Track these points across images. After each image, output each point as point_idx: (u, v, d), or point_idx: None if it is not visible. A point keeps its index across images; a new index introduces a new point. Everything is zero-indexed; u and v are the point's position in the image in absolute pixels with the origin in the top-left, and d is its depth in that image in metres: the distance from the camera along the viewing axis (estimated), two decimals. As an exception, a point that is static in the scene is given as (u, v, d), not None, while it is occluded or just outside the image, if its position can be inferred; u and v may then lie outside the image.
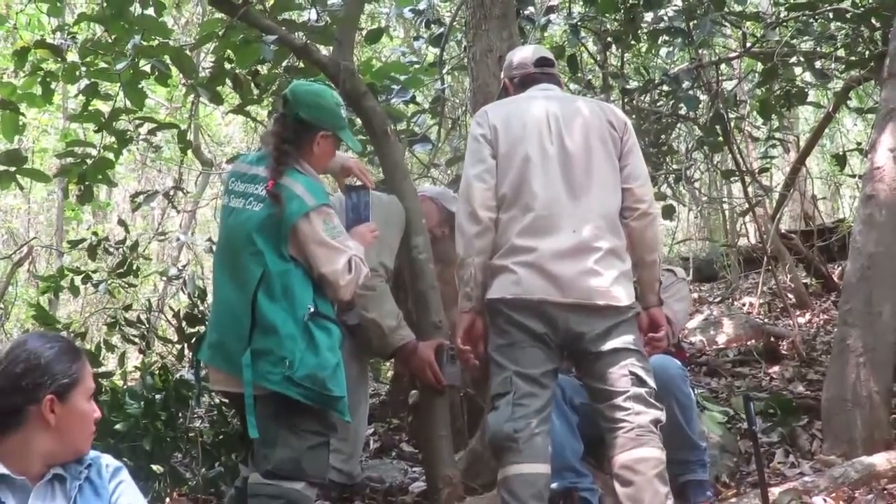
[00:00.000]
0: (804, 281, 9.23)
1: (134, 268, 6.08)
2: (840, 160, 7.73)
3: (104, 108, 5.68)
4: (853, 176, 8.78)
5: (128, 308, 6.22)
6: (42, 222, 15.47)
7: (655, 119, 7.56)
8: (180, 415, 4.80)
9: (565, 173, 3.63)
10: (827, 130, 11.28)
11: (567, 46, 7.69)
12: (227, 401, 4.48)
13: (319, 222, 3.43)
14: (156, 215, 14.08)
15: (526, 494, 3.37)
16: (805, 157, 9.80)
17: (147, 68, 5.28)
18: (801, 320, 8.21)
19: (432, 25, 7.28)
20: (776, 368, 6.68)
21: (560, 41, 8.71)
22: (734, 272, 10.52)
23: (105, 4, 5.15)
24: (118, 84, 5.29)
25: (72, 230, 13.17)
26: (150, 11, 5.24)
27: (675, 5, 7.16)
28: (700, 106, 7.49)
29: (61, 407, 2.44)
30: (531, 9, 6.93)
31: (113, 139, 5.61)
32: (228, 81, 5.50)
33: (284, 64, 5.50)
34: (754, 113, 9.05)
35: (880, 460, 4.13)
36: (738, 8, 7.25)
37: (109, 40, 5.24)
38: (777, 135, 8.08)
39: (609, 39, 7.48)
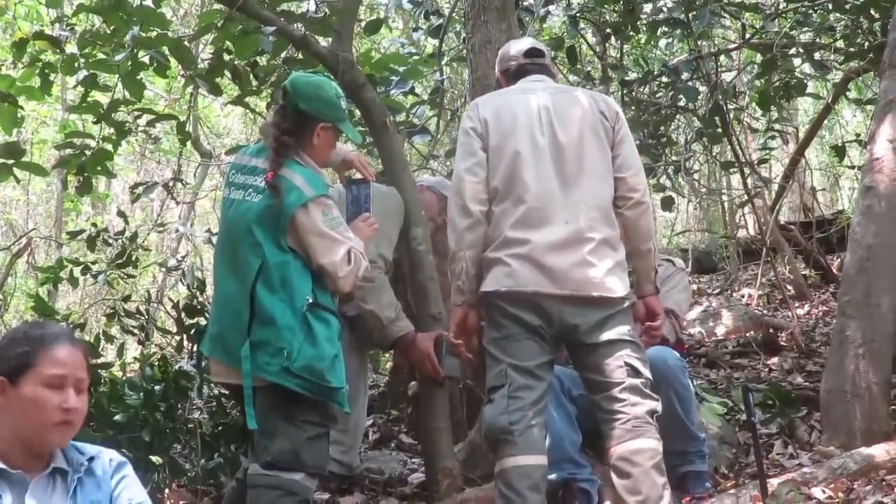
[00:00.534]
0: (803, 272, 9.23)
1: (133, 259, 6.08)
2: (839, 151, 7.72)
3: (103, 99, 5.67)
4: (852, 167, 8.79)
5: (127, 299, 6.21)
6: (41, 213, 15.46)
7: (654, 110, 7.54)
8: (179, 406, 4.80)
9: (557, 164, 3.62)
10: (826, 122, 11.26)
11: (566, 38, 7.68)
12: (227, 392, 4.49)
13: (318, 213, 3.43)
14: (155, 206, 14.05)
15: (523, 486, 3.38)
16: (804, 149, 9.79)
17: (146, 59, 5.27)
18: (800, 312, 8.21)
19: (431, 16, 7.27)
20: (775, 360, 6.68)
21: (559, 32, 8.69)
22: (733, 264, 10.52)
23: (103, -5, 5.14)
24: (117, 75, 5.28)
25: (71, 221, 13.14)
26: (149, 2, 5.22)
27: (674, -4, 7.15)
28: (699, 97, 7.48)
29: (13, 390, 2.44)
30: (530, 0, 6.91)
31: (112, 130, 5.60)
32: (227, 72, 5.48)
33: (283, 55, 5.49)
34: (753, 104, 9.05)
35: (879, 451, 4.13)
36: (737, -1, 7.24)
37: (108, 31, 5.23)
38: (776, 126, 8.07)
39: (608, 31, 7.46)
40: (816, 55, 7.22)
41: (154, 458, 4.56)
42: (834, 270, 9.00)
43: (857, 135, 8.54)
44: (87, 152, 5.55)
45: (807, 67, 7.64)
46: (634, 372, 3.50)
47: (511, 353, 3.54)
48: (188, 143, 8.11)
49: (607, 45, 7.89)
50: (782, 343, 7.09)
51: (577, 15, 7.44)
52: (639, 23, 7.32)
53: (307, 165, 3.54)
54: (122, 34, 5.11)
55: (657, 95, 7.84)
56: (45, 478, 2.48)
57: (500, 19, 5.03)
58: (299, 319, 3.35)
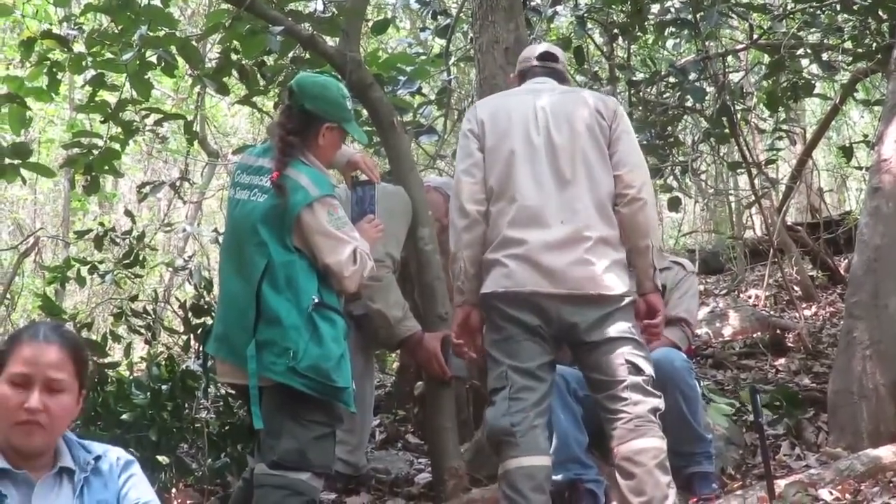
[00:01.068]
0: (810, 273, 9.22)
1: (140, 258, 6.09)
2: (847, 152, 7.72)
3: (111, 98, 5.69)
4: (860, 168, 8.77)
5: (134, 299, 6.22)
6: (48, 213, 15.50)
7: (662, 111, 7.54)
8: (186, 405, 4.80)
9: (553, 164, 3.61)
10: (833, 122, 11.24)
11: (573, 38, 7.70)
12: (233, 392, 4.49)
13: (323, 213, 3.42)
14: (162, 206, 14.07)
15: (526, 487, 3.37)
16: (811, 150, 9.77)
17: (153, 59, 5.28)
18: (808, 313, 8.21)
19: (438, 16, 7.28)
20: (782, 361, 6.67)
21: (566, 33, 8.71)
22: (740, 264, 10.51)
23: (112, -5, 5.15)
24: (125, 75, 5.29)
25: (78, 221, 13.19)
26: (157, 2, 5.24)
27: (682, -3, 7.15)
28: (706, 98, 7.47)
29: None
30: (538, 0, 6.91)
31: (119, 130, 5.62)
32: (234, 72, 5.50)
33: (291, 55, 5.49)
34: (761, 105, 9.05)
35: (886, 453, 4.13)
36: (744, -1, 7.24)
37: (116, 31, 5.24)
38: (783, 127, 8.08)
39: (616, 31, 7.46)
40: (824, 56, 7.21)
41: (161, 458, 4.57)
42: (841, 271, 8.98)
43: (865, 136, 8.55)
44: (95, 151, 5.56)
45: (814, 68, 7.62)
46: (636, 370, 3.48)
47: (511, 354, 3.54)
48: (195, 143, 8.12)
49: (615, 45, 7.88)
50: (789, 344, 7.08)
51: (585, 15, 7.44)
52: (646, 23, 7.32)
53: (313, 165, 3.54)
54: (130, 33, 5.12)
55: (664, 96, 7.84)
56: (52, 477, 2.46)
57: (507, 19, 5.03)
58: (305, 319, 3.34)
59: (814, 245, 9.19)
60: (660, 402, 3.51)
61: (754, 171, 7.98)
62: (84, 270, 6.05)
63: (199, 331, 5.13)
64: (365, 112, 5.03)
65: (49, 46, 5.47)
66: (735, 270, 10.68)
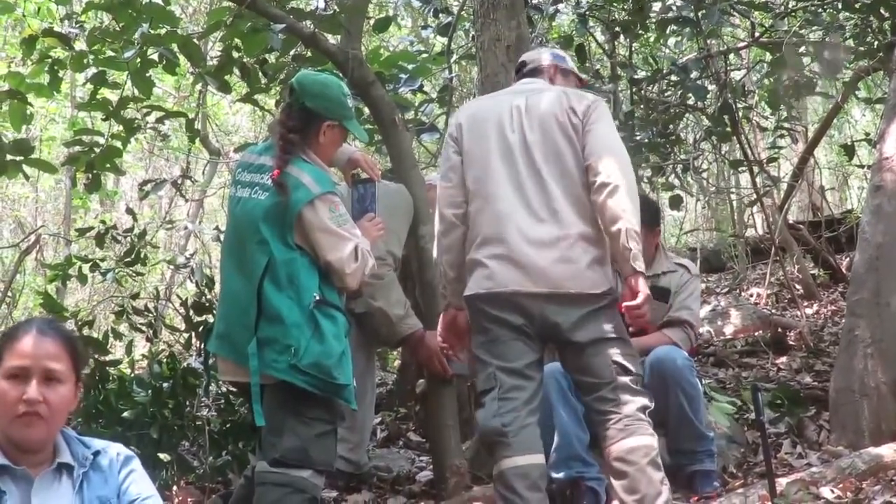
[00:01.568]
0: (812, 272, 9.22)
1: (142, 256, 6.09)
2: (848, 150, 7.71)
3: (112, 96, 5.69)
4: (861, 166, 8.78)
5: (135, 296, 6.23)
6: (50, 211, 15.49)
7: (663, 109, 7.54)
8: (188, 403, 4.81)
9: (528, 162, 3.58)
10: (835, 121, 11.25)
11: (575, 36, 7.69)
12: (235, 390, 4.49)
13: (325, 210, 3.43)
14: (163, 204, 14.09)
15: (522, 486, 3.36)
16: (813, 148, 9.78)
17: (155, 57, 5.28)
18: (809, 311, 8.21)
19: (440, 14, 7.26)
20: (784, 359, 6.67)
21: (568, 30, 8.70)
22: (742, 263, 10.52)
23: (113, -7, 5.15)
24: (126, 72, 5.29)
25: (79, 218, 13.19)
26: (158, 0, 5.24)
27: (684, -6, 7.14)
28: (708, 96, 7.47)
29: None
30: (539, -2, 6.91)
31: (121, 128, 5.61)
32: (236, 70, 5.49)
33: (292, 53, 5.49)
34: (762, 103, 9.04)
35: (888, 451, 4.12)
36: (746, -3, 7.23)
37: (117, 28, 5.24)
38: (785, 125, 8.06)
39: (617, 29, 7.46)
40: (826, 54, 7.20)
41: (162, 456, 4.58)
42: (843, 270, 8.99)
43: (867, 134, 8.54)
44: (96, 149, 5.56)
45: (816, 66, 7.62)
46: (623, 370, 3.47)
47: (498, 355, 3.53)
48: (197, 141, 8.13)
49: (616, 43, 7.87)
50: (791, 342, 7.08)
51: (587, 13, 7.44)
52: (648, 21, 7.32)
53: (313, 163, 3.54)
54: (132, 31, 5.12)
55: (666, 94, 7.84)
56: (51, 473, 2.45)
57: (509, 17, 5.02)
58: (306, 316, 3.35)
59: (815, 243, 9.19)
60: (648, 400, 3.50)
61: (756, 169, 7.98)
62: (85, 268, 6.05)
63: (200, 329, 5.13)
64: (366, 110, 5.04)
65: (51, 44, 5.47)
66: (737, 269, 10.68)
